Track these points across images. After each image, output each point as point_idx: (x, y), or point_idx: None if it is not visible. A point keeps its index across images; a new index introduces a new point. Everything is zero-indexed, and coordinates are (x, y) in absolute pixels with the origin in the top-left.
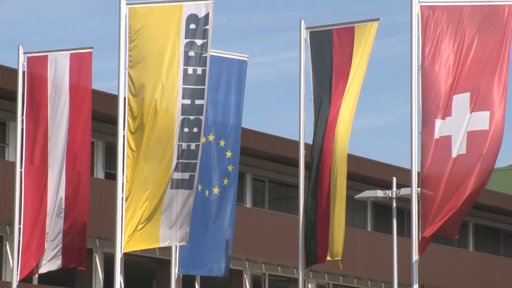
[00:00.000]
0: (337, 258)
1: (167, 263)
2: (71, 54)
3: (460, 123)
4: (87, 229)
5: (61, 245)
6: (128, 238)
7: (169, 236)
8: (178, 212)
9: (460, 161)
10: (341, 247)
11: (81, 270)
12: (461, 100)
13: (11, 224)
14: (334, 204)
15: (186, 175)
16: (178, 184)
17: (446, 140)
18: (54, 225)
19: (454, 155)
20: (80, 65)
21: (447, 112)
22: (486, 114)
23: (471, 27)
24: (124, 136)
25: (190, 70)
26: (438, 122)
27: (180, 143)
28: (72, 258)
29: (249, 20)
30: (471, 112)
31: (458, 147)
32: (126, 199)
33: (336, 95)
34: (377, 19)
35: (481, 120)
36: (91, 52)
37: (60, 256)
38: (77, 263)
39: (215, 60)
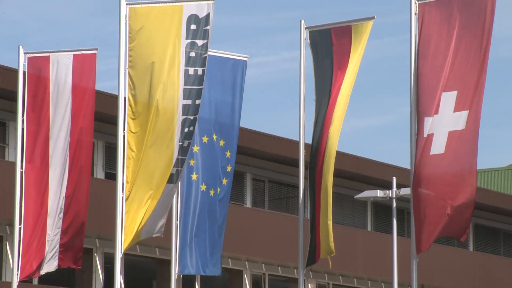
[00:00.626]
0: (330, 255)
1: (167, 263)
2: (74, 55)
3: (444, 122)
4: (84, 229)
5: (58, 246)
6: (131, 240)
7: (149, 229)
8: (161, 205)
9: (438, 161)
10: (332, 243)
11: (77, 269)
12: (448, 98)
13: (11, 224)
14: (321, 201)
15: (174, 170)
16: (172, 179)
17: (430, 138)
18: (54, 226)
19: (431, 153)
20: (83, 66)
21: (435, 110)
22: (465, 113)
23: (461, 23)
24: (124, 136)
25: (191, 70)
26: (427, 120)
27: (180, 143)
28: (68, 259)
29: (249, 20)
30: (454, 111)
31: (437, 146)
32: (127, 199)
33: (333, 94)
34: (372, 18)
35: (460, 120)
36: (95, 53)
37: (57, 257)
38: (73, 263)
39: (215, 60)
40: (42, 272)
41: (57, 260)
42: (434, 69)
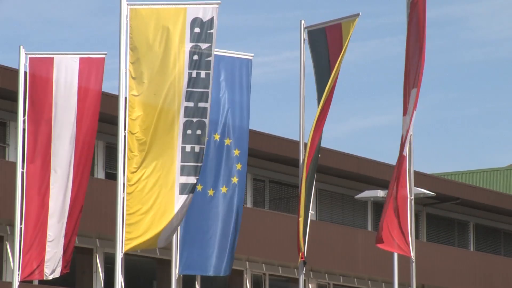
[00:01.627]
0: (300, 252)
1: (168, 263)
2: (80, 58)
3: (406, 122)
4: (77, 230)
5: (62, 249)
6: (129, 241)
7: (165, 239)
8: (180, 215)
9: (404, 162)
10: (301, 241)
11: (65, 272)
12: (412, 96)
13: (11, 224)
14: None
15: (193, 179)
16: (185, 189)
17: (403, 139)
18: (56, 227)
19: (404, 153)
20: (90, 69)
21: (406, 109)
22: (414, 113)
23: (423, 19)
24: (124, 136)
25: (194, 73)
26: (403, 119)
27: (183, 145)
28: (65, 261)
29: (250, 20)
30: (413, 111)
31: (404, 147)
32: (129, 201)
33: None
34: (357, 15)
35: (408, 119)
36: (104, 58)
37: (61, 262)
38: (64, 267)
39: (221, 59)
40: (51, 277)
41: (61, 266)
42: (411, 68)
